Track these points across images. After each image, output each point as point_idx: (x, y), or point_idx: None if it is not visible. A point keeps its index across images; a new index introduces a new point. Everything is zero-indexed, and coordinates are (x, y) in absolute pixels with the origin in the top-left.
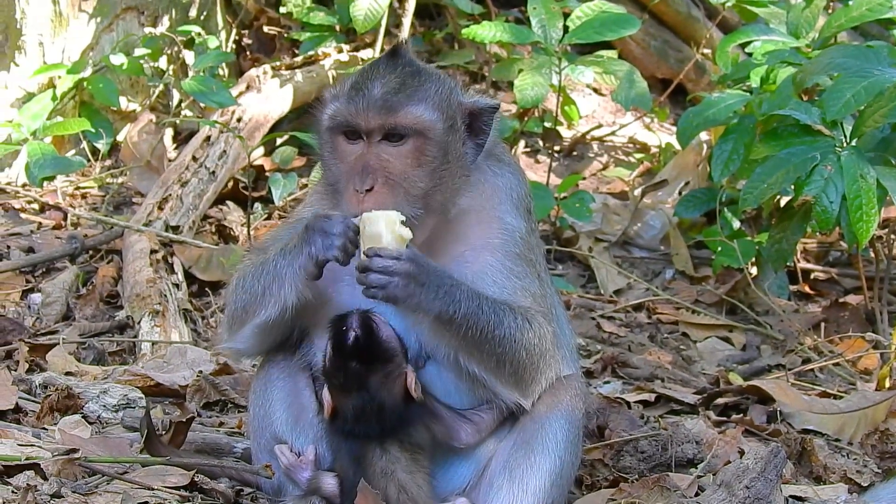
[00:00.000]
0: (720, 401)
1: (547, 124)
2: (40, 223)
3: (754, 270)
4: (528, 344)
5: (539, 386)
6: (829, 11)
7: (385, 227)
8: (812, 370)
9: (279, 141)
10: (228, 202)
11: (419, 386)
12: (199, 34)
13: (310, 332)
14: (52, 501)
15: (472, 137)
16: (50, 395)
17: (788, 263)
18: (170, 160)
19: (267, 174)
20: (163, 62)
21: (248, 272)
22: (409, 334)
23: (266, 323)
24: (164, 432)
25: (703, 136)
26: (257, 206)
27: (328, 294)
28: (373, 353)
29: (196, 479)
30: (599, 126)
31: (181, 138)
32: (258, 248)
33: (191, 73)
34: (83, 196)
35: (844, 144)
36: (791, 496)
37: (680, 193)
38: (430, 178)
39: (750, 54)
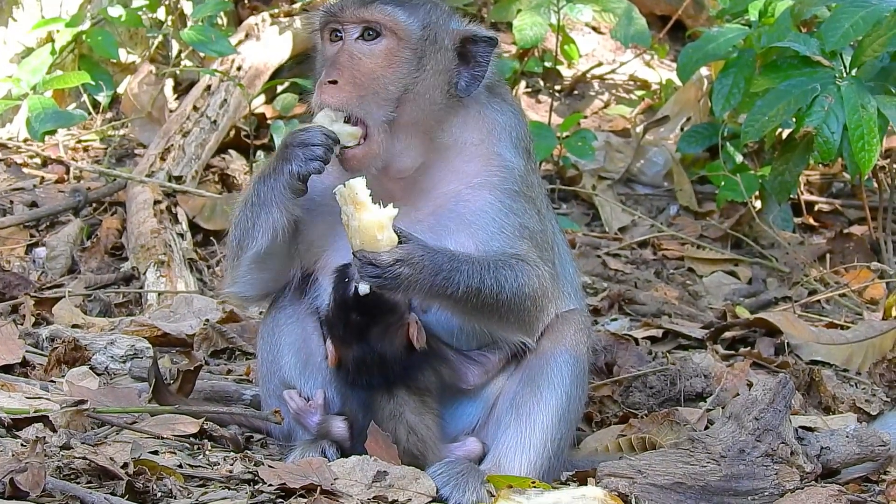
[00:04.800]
0: (727, 335)
1: (547, 64)
2: (43, 177)
3: (758, 204)
4: (531, 292)
5: (542, 323)
6: None
7: (377, 230)
8: (818, 301)
9: (280, 88)
10: (231, 151)
11: (423, 335)
12: None
13: (317, 277)
14: (61, 453)
15: (466, 67)
16: (57, 348)
17: (792, 196)
18: (171, 111)
19: (269, 122)
20: (161, 13)
21: (238, 208)
22: None
23: (259, 254)
24: (172, 381)
25: (704, 71)
26: (260, 154)
27: (331, 236)
28: (373, 304)
29: (205, 426)
30: (600, 64)
31: (182, 89)
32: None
33: (189, 23)
34: (85, 149)
35: (844, 75)
36: (801, 427)
37: (682, 129)
38: (401, 83)
39: None
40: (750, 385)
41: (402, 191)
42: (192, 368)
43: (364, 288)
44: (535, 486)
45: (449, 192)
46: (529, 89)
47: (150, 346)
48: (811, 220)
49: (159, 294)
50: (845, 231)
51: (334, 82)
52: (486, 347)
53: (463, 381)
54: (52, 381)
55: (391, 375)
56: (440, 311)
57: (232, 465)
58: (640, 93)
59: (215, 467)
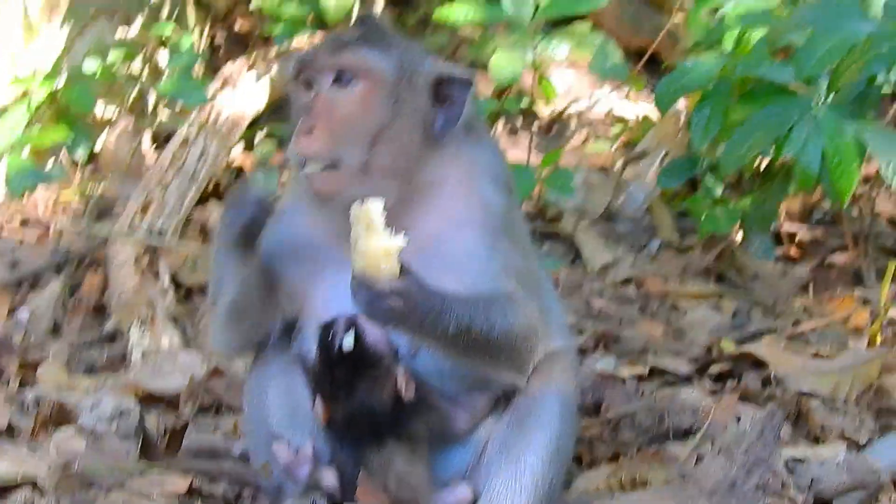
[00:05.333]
0: (714, 369)
1: (525, 101)
2: (22, 239)
3: (739, 235)
4: (521, 330)
5: (532, 362)
6: None
7: (383, 257)
8: (803, 332)
9: (258, 136)
10: (212, 201)
11: (411, 387)
12: (172, 34)
13: (301, 325)
14: None
15: (442, 108)
16: (42, 411)
17: (773, 226)
18: (149, 164)
19: (247, 172)
20: (137, 64)
21: (210, 260)
22: None
23: (233, 305)
24: (159, 439)
25: (681, 104)
26: None
27: (312, 284)
28: (359, 359)
29: (195, 484)
30: (577, 100)
31: (160, 141)
32: None
33: (165, 74)
34: (64, 209)
35: (821, 101)
36: (791, 458)
37: (661, 163)
38: (377, 126)
39: (722, 19)
40: (738, 418)
41: None
42: (179, 426)
43: (348, 344)
44: None
45: (429, 233)
46: (508, 126)
47: (136, 404)
48: (792, 251)
49: (143, 352)
50: (827, 260)
51: (310, 131)
52: (474, 391)
53: (452, 426)
54: (38, 444)
55: (381, 428)
56: (428, 355)
57: None
58: (618, 128)
59: None
